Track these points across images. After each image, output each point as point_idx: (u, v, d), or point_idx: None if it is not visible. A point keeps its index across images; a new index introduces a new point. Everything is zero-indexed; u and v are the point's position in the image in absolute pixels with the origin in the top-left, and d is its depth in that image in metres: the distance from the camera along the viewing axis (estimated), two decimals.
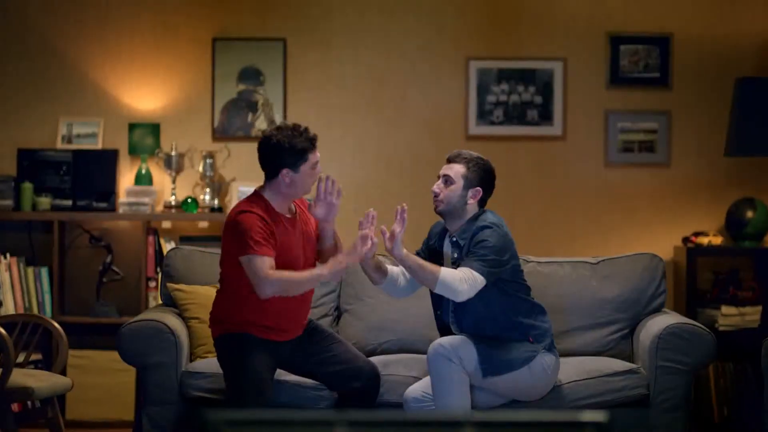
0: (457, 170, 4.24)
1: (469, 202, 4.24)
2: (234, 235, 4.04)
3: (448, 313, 4.25)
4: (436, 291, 4.10)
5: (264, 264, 3.96)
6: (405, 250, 4.11)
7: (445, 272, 4.07)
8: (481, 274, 4.09)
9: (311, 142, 4.13)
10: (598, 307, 4.78)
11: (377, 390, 4.27)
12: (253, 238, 3.97)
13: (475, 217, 4.24)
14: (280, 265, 4.03)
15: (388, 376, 4.37)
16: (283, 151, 4.08)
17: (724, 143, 5.88)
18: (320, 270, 4.05)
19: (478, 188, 4.24)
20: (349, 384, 4.22)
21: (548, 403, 4.31)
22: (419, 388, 4.23)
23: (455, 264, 4.18)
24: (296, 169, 4.09)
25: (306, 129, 4.14)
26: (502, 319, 4.21)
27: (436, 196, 4.24)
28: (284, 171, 4.08)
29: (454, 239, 4.24)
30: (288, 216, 4.17)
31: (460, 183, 4.22)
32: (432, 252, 4.35)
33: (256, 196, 4.15)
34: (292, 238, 4.13)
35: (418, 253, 4.30)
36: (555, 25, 6.10)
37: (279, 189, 4.12)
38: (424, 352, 4.67)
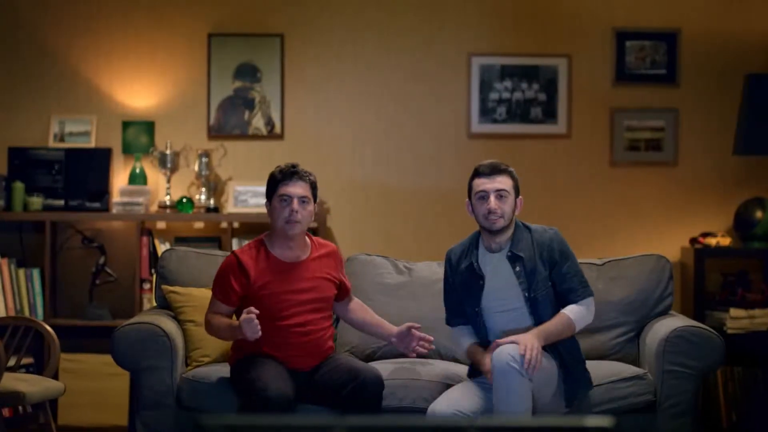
0: (506, 182, 4.22)
1: (516, 213, 4.28)
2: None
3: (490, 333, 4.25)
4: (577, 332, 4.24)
5: (211, 306, 4.33)
6: (536, 339, 4.05)
7: (575, 317, 4.19)
8: (591, 293, 4.26)
9: (282, 174, 4.26)
10: (604, 310, 4.78)
11: (380, 395, 4.27)
12: (216, 280, 4.34)
13: (518, 226, 4.28)
14: (264, 307, 4.19)
15: (387, 381, 4.38)
16: (266, 185, 4.34)
17: (732, 141, 5.89)
18: (235, 323, 4.18)
19: (521, 197, 4.29)
20: (351, 390, 4.23)
21: (555, 411, 4.32)
22: (448, 405, 4.13)
23: (522, 281, 4.18)
24: (270, 201, 4.30)
25: (293, 165, 4.30)
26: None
27: (493, 213, 4.16)
28: (266, 204, 4.34)
29: (510, 254, 4.22)
30: (287, 261, 4.29)
31: (512, 195, 4.22)
32: (465, 278, 4.28)
33: (260, 239, 4.36)
34: (281, 283, 4.25)
35: (447, 292, 4.36)
36: (559, 20, 6.10)
37: (271, 225, 4.33)
38: (428, 358, 4.68)
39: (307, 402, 4.30)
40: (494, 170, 4.22)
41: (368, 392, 4.21)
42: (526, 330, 4.15)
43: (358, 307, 4.54)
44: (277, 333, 4.25)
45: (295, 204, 4.22)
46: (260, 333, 4.06)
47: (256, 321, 4.05)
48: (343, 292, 4.46)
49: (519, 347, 3.97)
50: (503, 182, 4.20)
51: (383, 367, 4.47)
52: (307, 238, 4.36)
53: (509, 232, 4.24)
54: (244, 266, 4.25)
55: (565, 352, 4.22)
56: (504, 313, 4.24)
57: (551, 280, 4.22)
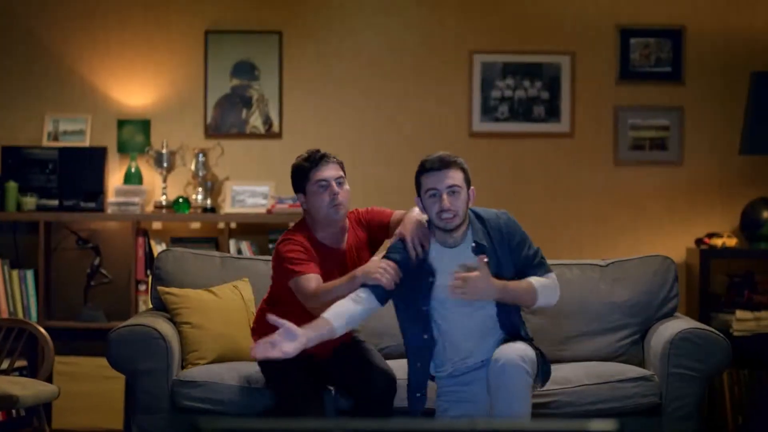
0: (457, 176, 3.98)
1: (470, 204, 4.08)
2: (276, 262, 4.24)
3: (445, 333, 4.09)
4: (534, 307, 4.09)
5: (308, 282, 4.10)
6: (498, 291, 3.94)
7: (538, 284, 4.03)
8: (551, 270, 4.11)
9: (311, 161, 4.22)
10: (608, 312, 4.79)
11: (391, 396, 4.26)
12: (292, 260, 4.14)
13: (471, 217, 4.09)
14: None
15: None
16: (293, 177, 4.28)
17: (738, 140, 5.89)
18: (354, 272, 4.08)
19: (473, 187, 4.07)
20: (362, 389, 4.24)
21: (557, 410, 4.32)
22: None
23: (499, 272, 4.02)
24: (304, 190, 4.23)
25: (316, 150, 4.25)
26: (519, 316, 4.17)
27: (446, 211, 3.96)
28: (299, 196, 4.28)
29: (475, 244, 4.03)
30: (332, 246, 4.25)
31: (465, 188, 4.00)
32: (413, 272, 4.08)
33: (301, 223, 4.29)
34: (331, 268, 4.20)
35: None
36: (563, 17, 6.11)
37: (308, 216, 4.26)
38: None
39: (328, 384, 4.33)
40: (443, 164, 3.97)
41: (378, 392, 4.21)
42: (492, 326, 4.03)
43: (395, 226, 4.30)
44: (306, 321, 4.13)
45: (335, 186, 4.18)
46: (390, 281, 3.95)
47: (393, 273, 3.96)
48: (386, 223, 4.33)
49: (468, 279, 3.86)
50: (454, 177, 3.96)
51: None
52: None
53: (464, 226, 4.03)
54: (305, 246, 4.17)
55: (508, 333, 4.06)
56: (463, 309, 4.03)
57: (514, 266, 4.07)
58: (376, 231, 4.36)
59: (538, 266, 4.09)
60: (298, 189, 4.26)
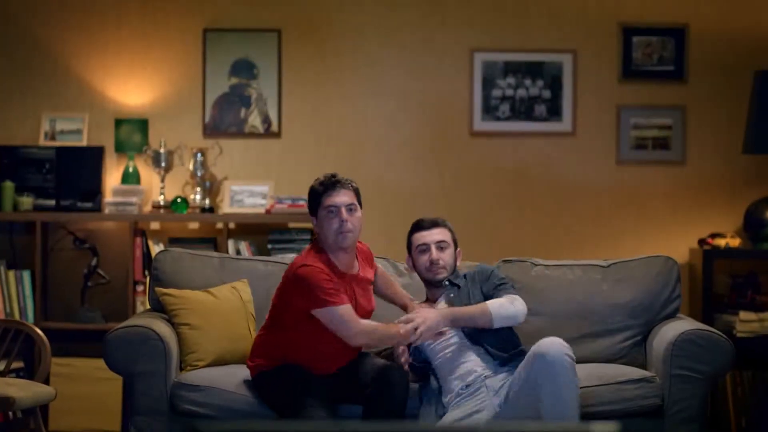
0: (445, 234, 4.49)
1: (457, 264, 4.52)
2: (299, 289, 4.20)
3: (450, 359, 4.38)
4: (495, 326, 4.30)
5: (350, 314, 4.17)
6: (446, 319, 4.28)
7: (492, 304, 4.31)
8: (515, 293, 4.41)
9: (324, 185, 4.24)
10: (610, 313, 4.78)
11: (404, 396, 4.26)
12: (326, 291, 4.14)
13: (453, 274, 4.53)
14: (310, 321, 4.21)
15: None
16: (308, 200, 4.32)
17: (742, 140, 5.89)
18: (398, 329, 4.24)
19: (459, 249, 4.54)
20: (376, 389, 4.23)
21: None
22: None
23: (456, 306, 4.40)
24: (316, 214, 4.27)
25: (332, 174, 4.28)
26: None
27: (435, 263, 4.44)
28: (312, 219, 4.31)
29: (447, 282, 4.46)
30: (345, 271, 4.27)
31: (452, 246, 4.50)
32: None
33: (318, 249, 4.28)
34: (349, 293, 4.26)
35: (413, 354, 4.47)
36: (564, 15, 6.11)
37: (321, 240, 4.29)
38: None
39: (333, 401, 4.32)
40: (432, 224, 4.50)
41: (394, 390, 4.21)
42: (473, 361, 4.31)
43: (383, 279, 4.57)
44: (329, 344, 4.24)
45: (344, 213, 4.21)
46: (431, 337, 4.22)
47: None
48: (373, 274, 4.50)
49: (416, 318, 4.22)
50: (442, 233, 4.48)
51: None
52: None
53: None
54: (328, 273, 4.20)
55: (491, 346, 4.32)
56: (436, 347, 4.38)
57: (483, 297, 4.40)
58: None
59: (501, 289, 4.44)
60: (311, 212, 4.30)
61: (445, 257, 4.44)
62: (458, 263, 4.52)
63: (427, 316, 4.23)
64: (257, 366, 4.33)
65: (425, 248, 4.46)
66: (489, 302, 4.34)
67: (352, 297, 4.25)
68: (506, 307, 4.32)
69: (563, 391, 4.00)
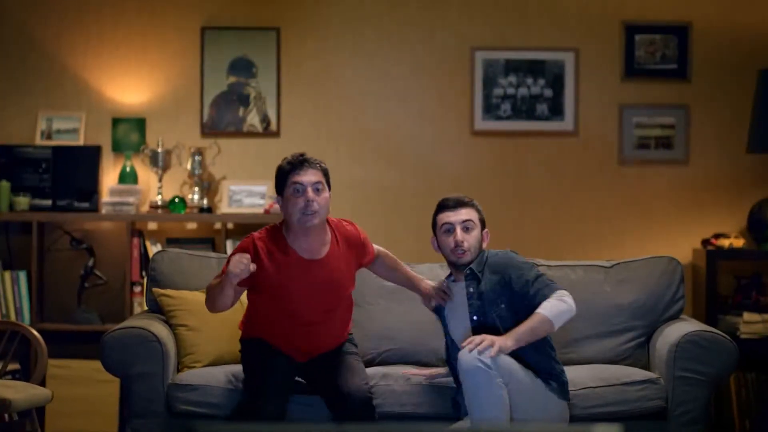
0: (471, 214, 4.32)
1: (484, 246, 4.36)
2: None
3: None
4: (557, 328, 4.17)
5: (215, 278, 4.21)
6: (510, 339, 4.11)
7: (545, 308, 4.14)
8: (560, 287, 4.22)
9: (291, 164, 4.21)
10: (613, 314, 4.78)
11: (368, 417, 4.24)
12: (230, 257, 4.12)
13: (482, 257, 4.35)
14: (277, 300, 4.23)
15: (386, 386, 4.39)
16: (275, 179, 4.27)
17: (746, 139, 5.89)
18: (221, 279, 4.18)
19: (487, 230, 4.37)
20: (338, 408, 4.22)
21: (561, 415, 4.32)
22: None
23: (473, 303, 4.27)
24: (282, 193, 4.23)
25: (300, 153, 4.25)
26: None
27: (459, 246, 4.27)
28: (278, 199, 4.27)
29: (470, 272, 4.29)
30: (303, 256, 4.22)
31: (478, 227, 4.32)
32: (439, 308, 4.43)
33: (276, 226, 4.29)
34: (296, 278, 4.21)
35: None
36: (566, 13, 6.10)
37: (286, 221, 4.26)
38: (426, 362, 4.69)
39: (300, 392, 4.34)
40: (459, 203, 4.33)
41: (355, 413, 4.19)
42: None
43: (383, 266, 4.48)
44: (280, 325, 4.27)
45: (310, 192, 4.15)
46: (243, 270, 4.02)
47: (246, 261, 4.04)
48: (368, 261, 4.43)
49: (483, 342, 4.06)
50: (468, 214, 4.31)
51: (382, 372, 4.48)
52: (327, 226, 4.28)
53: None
54: (259, 255, 4.20)
55: (533, 361, 4.21)
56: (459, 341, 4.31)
57: (512, 299, 4.23)
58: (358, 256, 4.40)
59: (542, 286, 4.23)
60: (278, 191, 4.25)
61: (470, 239, 4.28)
62: (485, 245, 4.35)
63: (494, 339, 4.08)
64: (242, 332, 4.41)
65: (450, 228, 4.30)
66: (544, 310, 4.13)
67: (305, 282, 4.18)
68: (560, 307, 4.15)
69: (475, 397, 4.01)
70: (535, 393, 4.15)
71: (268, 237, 4.24)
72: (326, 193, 4.21)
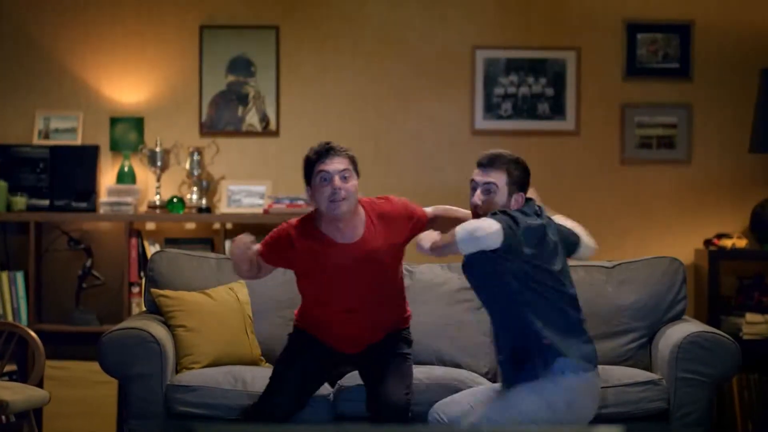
0: (497, 177, 4.01)
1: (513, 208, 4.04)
2: None
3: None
4: (463, 251, 3.91)
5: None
6: (428, 242, 4.01)
7: (461, 226, 3.91)
8: (496, 221, 3.87)
9: (317, 153, 4.19)
10: (614, 315, 4.79)
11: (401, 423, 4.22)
12: (267, 238, 4.26)
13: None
14: (316, 287, 4.28)
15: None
16: (303, 169, 4.25)
17: (748, 138, 5.89)
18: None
19: (521, 193, 4.06)
20: (374, 410, 4.22)
21: None
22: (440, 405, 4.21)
23: None
24: (309, 183, 4.22)
25: (326, 142, 4.24)
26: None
27: (476, 208, 4.03)
28: (306, 189, 4.25)
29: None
30: (339, 240, 4.22)
31: (504, 191, 4.02)
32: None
33: (310, 214, 4.30)
34: (331, 263, 4.21)
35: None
36: (568, 11, 6.10)
37: (317, 211, 4.27)
38: (430, 364, 4.69)
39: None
40: (490, 163, 4.04)
41: (389, 421, 4.16)
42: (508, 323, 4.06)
43: (445, 226, 4.24)
44: (323, 312, 4.30)
45: (337, 180, 4.15)
46: (245, 255, 4.11)
47: (248, 241, 4.11)
48: (421, 226, 4.34)
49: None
50: (493, 176, 4.01)
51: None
52: (360, 209, 4.26)
53: None
54: (293, 242, 4.22)
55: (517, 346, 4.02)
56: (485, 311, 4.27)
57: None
58: (402, 228, 4.33)
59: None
60: (306, 181, 4.24)
61: (490, 204, 4.00)
62: (514, 207, 4.02)
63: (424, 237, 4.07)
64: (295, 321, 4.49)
65: (474, 186, 4.05)
66: (460, 226, 3.92)
67: (342, 267, 4.19)
68: (469, 227, 3.89)
69: None
70: (509, 405, 3.98)
71: (302, 224, 4.26)
72: (354, 180, 4.21)
